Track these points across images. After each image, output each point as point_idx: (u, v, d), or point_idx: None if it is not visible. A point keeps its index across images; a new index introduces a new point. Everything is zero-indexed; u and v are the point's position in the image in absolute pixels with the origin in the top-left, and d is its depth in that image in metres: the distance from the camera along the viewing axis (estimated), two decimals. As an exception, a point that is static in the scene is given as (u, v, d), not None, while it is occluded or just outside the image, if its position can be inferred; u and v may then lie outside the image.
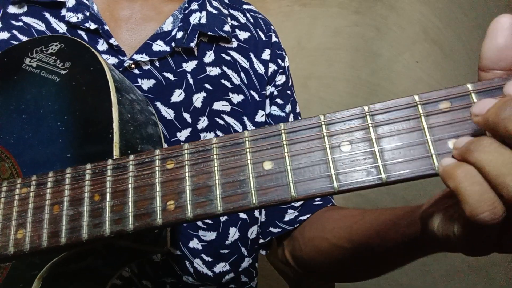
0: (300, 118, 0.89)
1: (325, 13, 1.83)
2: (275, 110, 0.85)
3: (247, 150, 0.43)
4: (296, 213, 0.80)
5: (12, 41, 0.71)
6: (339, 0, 1.83)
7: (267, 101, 0.84)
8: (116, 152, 0.51)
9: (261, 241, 0.81)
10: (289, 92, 0.88)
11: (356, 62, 1.77)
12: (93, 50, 0.58)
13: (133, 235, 0.47)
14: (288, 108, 0.86)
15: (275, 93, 0.85)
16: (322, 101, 1.69)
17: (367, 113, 0.40)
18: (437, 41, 1.80)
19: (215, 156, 0.44)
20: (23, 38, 0.72)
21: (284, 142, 0.42)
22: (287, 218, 0.80)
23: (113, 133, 0.52)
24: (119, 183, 0.47)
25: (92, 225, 0.47)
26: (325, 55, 1.77)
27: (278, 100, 0.85)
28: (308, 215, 0.79)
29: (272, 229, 0.80)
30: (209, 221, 0.73)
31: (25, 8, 0.75)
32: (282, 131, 0.42)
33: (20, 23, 0.73)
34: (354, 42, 1.80)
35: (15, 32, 0.72)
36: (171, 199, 0.44)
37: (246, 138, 0.43)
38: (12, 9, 0.74)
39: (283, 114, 0.85)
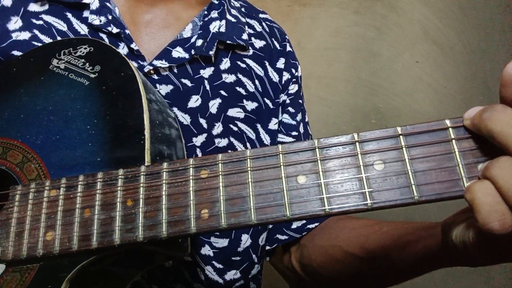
0: (308, 127, 0.92)
1: (325, 13, 1.84)
2: (286, 118, 0.86)
3: (281, 163, 0.45)
4: (304, 221, 0.81)
5: (33, 42, 0.71)
6: (339, 0, 1.84)
7: (280, 109, 0.86)
8: (147, 158, 0.52)
9: (267, 247, 0.82)
10: (300, 101, 0.90)
11: (356, 62, 1.78)
12: (122, 55, 0.58)
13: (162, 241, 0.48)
14: (299, 117, 0.88)
15: (288, 101, 0.87)
16: (322, 101, 1.70)
17: (400, 135, 0.42)
18: (437, 41, 1.82)
19: (249, 168, 0.46)
20: (44, 38, 0.72)
21: (318, 158, 0.44)
22: (294, 225, 0.81)
23: (145, 140, 0.53)
24: (152, 190, 0.48)
25: (124, 230, 0.48)
26: (325, 55, 1.78)
27: (290, 109, 0.87)
28: (316, 224, 0.80)
29: (279, 236, 0.81)
30: None
31: (47, 6, 0.75)
32: (316, 147, 0.44)
33: (41, 22, 0.73)
34: (354, 42, 1.81)
35: (36, 31, 0.72)
36: (205, 207, 0.46)
37: (280, 152, 0.45)
38: (33, 7, 0.74)
39: (294, 122, 0.86)
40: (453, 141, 0.41)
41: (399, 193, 0.40)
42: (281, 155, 0.45)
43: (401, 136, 0.42)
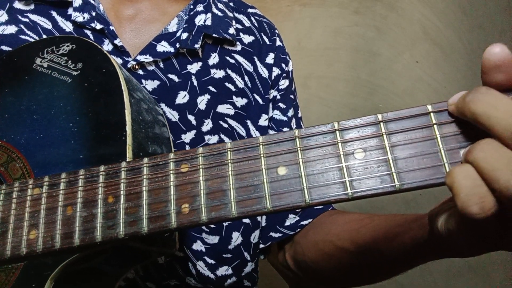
0: (301, 122, 0.90)
1: (325, 13, 1.83)
2: (277, 115, 0.85)
3: (261, 155, 0.44)
4: (297, 218, 0.80)
5: (20, 36, 0.71)
6: (339, 0, 1.83)
7: (270, 105, 0.85)
8: (129, 154, 0.52)
9: (261, 246, 0.81)
10: (292, 96, 0.89)
11: (356, 62, 1.77)
12: (105, 51, 0.58)
13: (146, 237, 0.48)
14: (290, 112, 0.86)
15: (278, 97, 0.86)
16: (322, 101, 1.69)
17: (380, 121, 0.41)
18: (437, 41, 1.80)
19: (229, 161, 0.45)
20: (31, 33, 0.72)
21: (298, 148, 0.43)
22: (288, 223, 0.80)
23: (126, 135, 0.52)
24: (133, 186, 0.48)
25: (106, 227, 0.47)
26: (325, 55, 1.77)
27: (281, 105, 0.86)
28: (309, 220, 0.79)
29: (273, 234, 0.80)
30: (212, 225, 0.73)
31: (32, 6, 0.75)
32: (296, 137, 0.43)
33: (27, 20, 0.73)
34: (354, 42, 1.80)
35: (22, 26, 0.72)
36: (186, 202, 0.45)
37: (260, 144, 0.44)
38: (18, 5, 0.74)
39: (285, 118, 0.85)
40: (435, 126, 0.39)
41: (379, 181, 0.39)
42: (261, 146, 0.44)
43: (381, 123, 0.41)
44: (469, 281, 1.51)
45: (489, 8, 1.84)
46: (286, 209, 0.42)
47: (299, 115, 0.90)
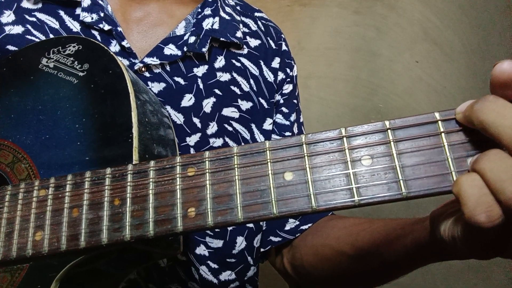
0: (303, 128, 0.91)
1: (325, 13, 1.83)
2: (279, 119, 0.86)
3: (268, 160, 0.44)
4: (297, 222, 0.80)
5: (27, 36, 0.71)
6: (339, 0, 1.83)
7: (274, 109, 0.85)
8: (135, 156, 0.52)
9: (261, 250, 0.81)
10: (295, 101, 0.89)
11: (356, 62, 1.77)
12: (111, 52, 0.58)
13: (151, 240, 0.48)
14: (293, 117, 0.87)
15: (281, 101, 0.86)
16: (322, 101, 1.69)
17: (388, 129, 0.41)
18: (437, 41, 1.81)
19: (236, 165, 0.45)
20: (37, 33, 0.72)
21: (305, 154, 0.43)
22: (287, 227, 0.80)
23: (133, 138, 0.52)
24: (139, 189, 0.48)
25: (112, 230, 0.48)
26: (325, 55, 1.77)
27: (284, 109, 0.86)
28: (309, 225, 0.80)
29: (273, 238, 0.80)
30: (217, 229, 0.73)
31: (40, 5, 0.74)
32: (303, 143, 0.43)
33: (34, 19, 0.73)
34: (354, 42, 1.80)
35: (29, 26, 0.72)
36: (192, 206, 0.45)
37: (267, 149, 0.44)
38: (26, 4, 0.74)
39: (287, 123, 0.86)
40: (443, 134, 0.40)
41: (386, 189, 0.40)
42: (268, 151, 0.44)
43: (389, 130, 0.41)
44: (469, 281, 1.51)
45: (489, 8, 1.84)
46: (292, 214, 0.42)
47: (301, 120, 0.91)
